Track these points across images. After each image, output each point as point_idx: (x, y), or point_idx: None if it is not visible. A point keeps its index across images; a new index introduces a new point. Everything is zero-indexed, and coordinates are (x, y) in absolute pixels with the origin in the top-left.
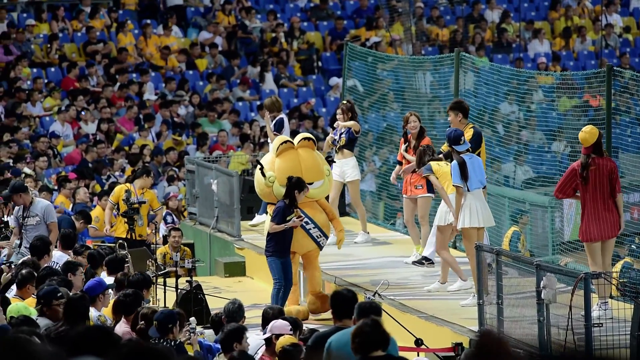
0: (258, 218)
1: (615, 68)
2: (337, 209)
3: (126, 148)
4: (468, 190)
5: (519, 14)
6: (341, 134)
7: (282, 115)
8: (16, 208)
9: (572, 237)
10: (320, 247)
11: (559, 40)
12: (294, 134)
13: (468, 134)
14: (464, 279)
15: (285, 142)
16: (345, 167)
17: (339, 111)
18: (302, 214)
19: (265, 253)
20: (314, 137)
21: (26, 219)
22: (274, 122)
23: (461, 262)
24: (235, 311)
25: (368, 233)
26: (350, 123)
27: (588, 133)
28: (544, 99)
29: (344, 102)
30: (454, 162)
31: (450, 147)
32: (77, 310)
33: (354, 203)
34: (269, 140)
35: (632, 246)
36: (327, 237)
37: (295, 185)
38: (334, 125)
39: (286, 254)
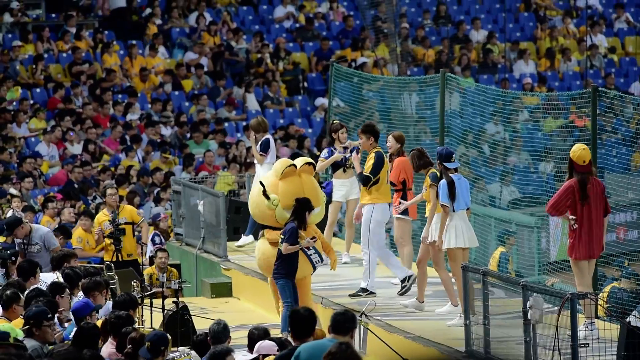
0: (244, 239)
1: (600, 88)
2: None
3: (112, 169)
4: (453, 211)
5: (504, 34)
6: (351, 151)
7: (268, 136)
8: (17, 240)
9: (559, 257)
10: (314, 271)
11: (544, 61)
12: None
13: (371, 157)
14: (454, 303)
15: (290, 166)
16: (355, 185)
17: (343, 130)
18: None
19: (275, 276)
20: (313, 162)
21: (28, 246)
22: (260, 142)
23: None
24: (221, 331)
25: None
26: (357, 142)
27: (586, 150)
28: (530, 120)
29: (336, 121)
30: (443, 181)
31: (440, 164)
32: (87, 340)
33: (349, 221)
34: (255, 161)
35: (622, 269)
36: (322, 261)
37: (305, 206)
38: (345, 145)
39: (295, 276)
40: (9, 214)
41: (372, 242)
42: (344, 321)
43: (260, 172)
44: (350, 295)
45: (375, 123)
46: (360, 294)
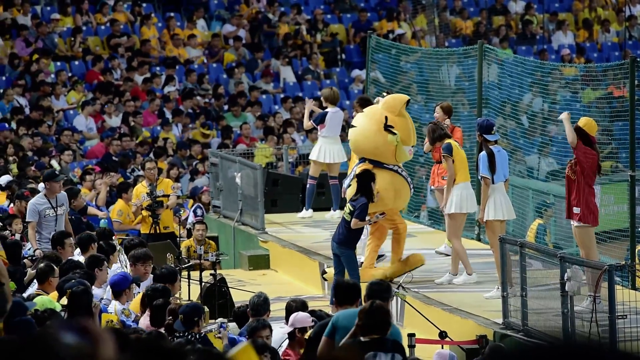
0: (305, 212)
1: (638, 59)
2: None
3: (149, 141)
4: (493, 183)
5: (543, 5)
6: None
7: (332, 110)
8: (39, 201)
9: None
10: None
11: (582, 32)
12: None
13: None
14: (469, 272)
15: (405, 102)
16: None
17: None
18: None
19: (343, 248)
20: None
21: (58, 208)
22: (320, 113)
23: (481, 254)
24: (261, 304)
25: None
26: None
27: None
28: (568, 90)
29: (384, 92)
30: (483, 152)
31: (481, 136)
32: (80, 303)
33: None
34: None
35: None
36: None
37: (370, 177)
38: None
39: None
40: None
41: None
42: (380, 290)
43: (318, 143)
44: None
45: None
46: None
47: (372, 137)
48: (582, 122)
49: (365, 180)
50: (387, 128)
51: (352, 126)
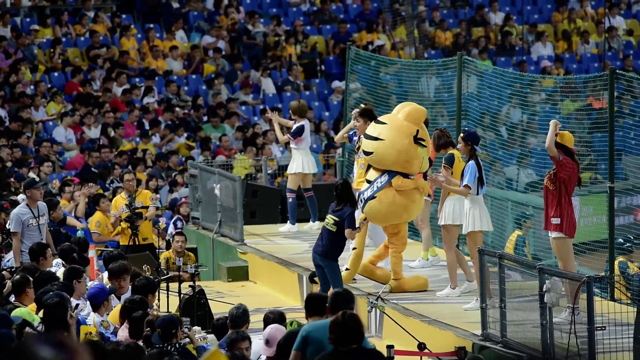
0: (312, 224)
1: (617, 71)
2: None
3: (127, 147)
4: (477, 194)
5: (522, 16)
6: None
7: (304, 122)
8: (22, 211)
9: (576, 240)
10: None
11: (561, 43)
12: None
13: None
14: (453, 286)
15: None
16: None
17: (353, 115)
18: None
19: (326, 260)
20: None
21: (40, 217)
22: (295, 126)
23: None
24: (240, 316)
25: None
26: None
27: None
28: (547, 102)
29: (362, 105)
30: (472, 162)
31: (469, 145)
32: (55, 316)
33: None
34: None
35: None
36: None
37: (349, 186)
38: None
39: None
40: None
41: None
42: (345, 301)
43: (296, 156)
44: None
45: (373, 107)
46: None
47: (405, 150)
48: (558, 137)
49: (346, 190)
50: (418, 141)
51: (376, 138)
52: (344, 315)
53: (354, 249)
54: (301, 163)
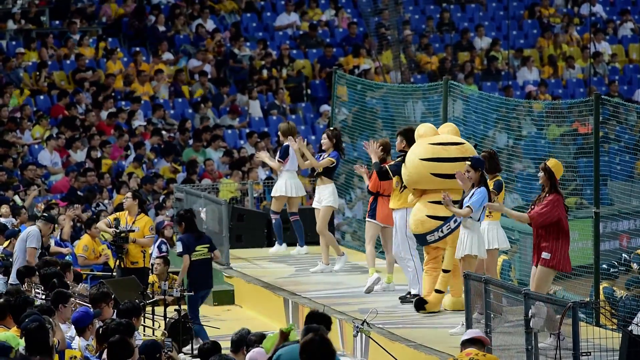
0: (300, 249)
1: (603, 96)
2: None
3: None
4: (478, 220)
5: (508, 41)
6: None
7: (288, 142)
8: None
9: None
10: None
11: (547, 68)
12: None
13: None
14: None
15: None
16: (322, 194)
17: (324, 136)
18: None
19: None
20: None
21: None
22: (283, 147)
23: None
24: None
25: (327, 265)
26: (324, 162)
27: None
28: (533, 127)
29: (331, 128)
30: (483, 188)
31: (480, 172)
32: (36, 340)
33: (319, 228)
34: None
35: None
36: None
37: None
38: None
39: None
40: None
41: (412, 246)
42: (319, 322)
43: (281, 178)
44: (400, 298)
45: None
46: (412, 299)
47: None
48: (551, 163)
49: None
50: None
51: None
52: (314, 337)
53: (446, 271)
54: (284, 185)
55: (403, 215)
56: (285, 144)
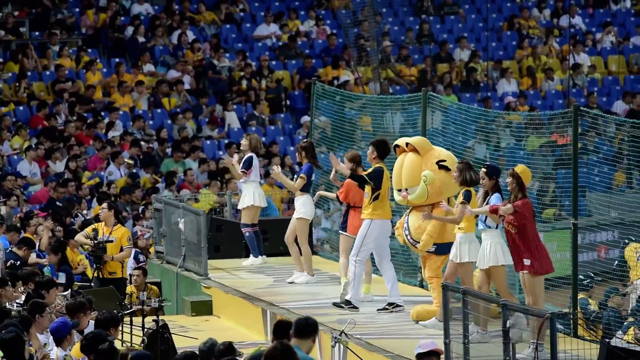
0: (255, 260)
1: (582, 107)
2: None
3: (90, 182)
4: (496, 228)
5: (487, 53)
6: (296, 172)
7: (252, 154)
8: None
9: None
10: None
11: (526, 80)
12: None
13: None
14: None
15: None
16: (296, 205)
17: (298, 148)
18: None
19: None
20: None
21: None
22: (243, 159)
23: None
24: (205, 351)
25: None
26: (297, 183)
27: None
28: (512, 138)
29: (304, 141)
30: (498, 194)
31: (495, 180)
32: (12, 350)
33: (288, 239)
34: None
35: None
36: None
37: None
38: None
39: None
40: None
41: (362, 256)
42: (306, 325)
43: (247, 189)
44: (333, 304)
45: (388, 140)
46: (343, 305)
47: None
48: (519, 169)
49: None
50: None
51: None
52: (277, 346)
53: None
54: (252, 196)
55: (368, 224)
56: (248, 155)
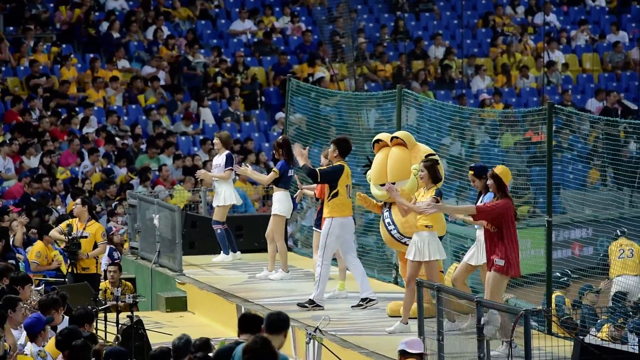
0: (226, 256)
1: (556, 105)
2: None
3: (63, 175)
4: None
5: (462, 50)
6: (271, 169)
7: (228, 151)
8: None
9: None
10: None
11: (500, 77)
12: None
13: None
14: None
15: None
16: (273, 201)
17: (274, 145)
18: None
19: None
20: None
21: None
22: (225, 158)
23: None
24: (180, 347)
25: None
26: (269, 177)
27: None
28: (487, 135)
29: (279, 138)
30: (490, 194)
31: (485, 179)
32: None
33: (268, 235)
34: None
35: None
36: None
37: None
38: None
39: None
40: None
41: (326, 256)
42: (278, 320)
43: (221, 188)
44: (298, 304)
45: (349, 139)
46: (307, 305)
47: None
48: (499, 170)
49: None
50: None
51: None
52: (256, 340)
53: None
54: (229, 194)
55: (329, 223)
56: (226, 152)
